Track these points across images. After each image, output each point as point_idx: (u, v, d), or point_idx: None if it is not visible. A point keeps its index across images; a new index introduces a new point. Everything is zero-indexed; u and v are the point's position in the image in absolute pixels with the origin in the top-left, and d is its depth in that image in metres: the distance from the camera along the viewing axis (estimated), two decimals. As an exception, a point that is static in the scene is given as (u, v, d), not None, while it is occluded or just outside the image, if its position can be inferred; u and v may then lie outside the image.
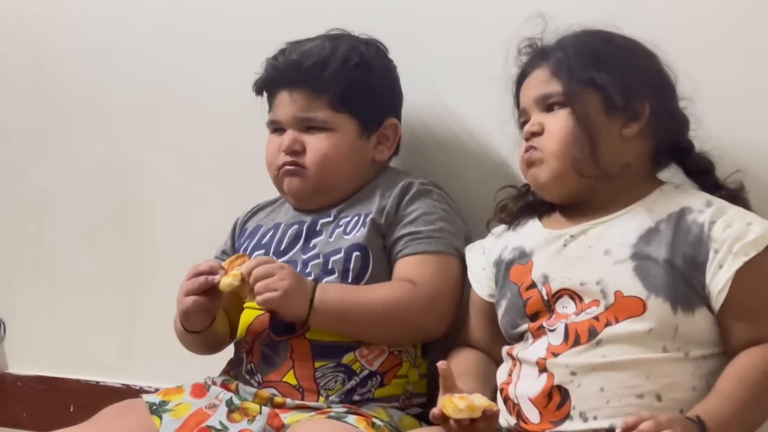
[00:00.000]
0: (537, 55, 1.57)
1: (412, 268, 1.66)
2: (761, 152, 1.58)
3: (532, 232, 1.56)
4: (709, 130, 1.55)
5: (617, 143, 1.49)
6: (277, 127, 1.76)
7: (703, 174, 1.53)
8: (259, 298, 1.57)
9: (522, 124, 1.56)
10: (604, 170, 1.47)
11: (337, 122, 1.72)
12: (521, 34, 1.59)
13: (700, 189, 1.52)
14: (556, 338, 1.44)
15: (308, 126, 1.72)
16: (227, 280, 1.59)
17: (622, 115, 1.48)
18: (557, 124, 1.48)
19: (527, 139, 1.52)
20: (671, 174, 1.57)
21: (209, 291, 1.63)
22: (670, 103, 1.52)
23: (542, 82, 1.52)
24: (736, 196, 1.49)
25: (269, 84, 1.76)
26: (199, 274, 1.64)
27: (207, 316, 1.70)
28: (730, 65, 1.63)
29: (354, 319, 1.64)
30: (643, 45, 1.53)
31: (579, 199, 1.53)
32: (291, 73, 1.72)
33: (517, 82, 1.60)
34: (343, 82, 1.70)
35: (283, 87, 1.74)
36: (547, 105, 1.51)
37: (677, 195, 1.50)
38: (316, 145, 1.71)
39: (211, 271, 1.63)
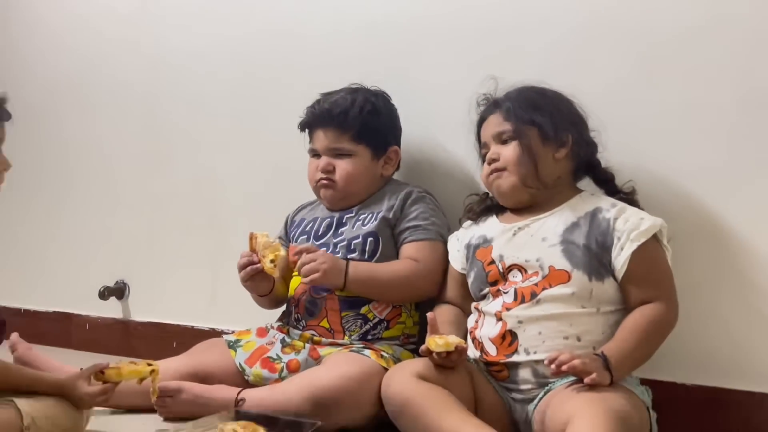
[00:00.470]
0: (491, 105, 1.58)
1: (414, 251, 1.68)
2: (645, 168, 1.59)
3: (492, 225, 1.58)
4: (611, 152, 1.56)
5: (551, 163, 1.51)
6: (315, 153, 1.77)
7: (607, 183, 1.55)
8: (305, 279, 1.61)
9: (483, 153, 1.58)
10: (543, 182, 1.50)
11: (356, 150, 1.73)
12: (479, 92, 1.61)
13: (605, 194, 1.54)
14: (508, 298, 1.46)
15: (337, 153, 1.73)
16: (269, 265, 1.61)
17: (553, 144, 1.50)
18: (510, 152, 1.51)
19: (489, 164, 1.54)
20: (587, 183, 1.59)
21: (258, 273, 1.66)
22: (585, 134, 1.54)
23: (497, 124, 1.54)
24: (631, 198, 1.51)
25: (309, 125, 1.78)
26: (242, 267, 1.67)
27: (265, 286, 1.72)
28: (625, 106, 1.63)
29: (377, 285, 1.66)
30: (564, 94, 1.54)
31: (525, 203, 1.54)
32: (324, 118, 1.73)
33: (478, 124, 1.60)
34: (360, 124, 1.71)
35: (319, 127, 1.75)
36: (502, 139, 1.53)
37: (591, 199, 1.52)
38: (343, 166, 1.73)
39: (251, 262, 1.66)
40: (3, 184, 1.38)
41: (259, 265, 1.64)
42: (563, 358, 1.27)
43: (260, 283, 1.70)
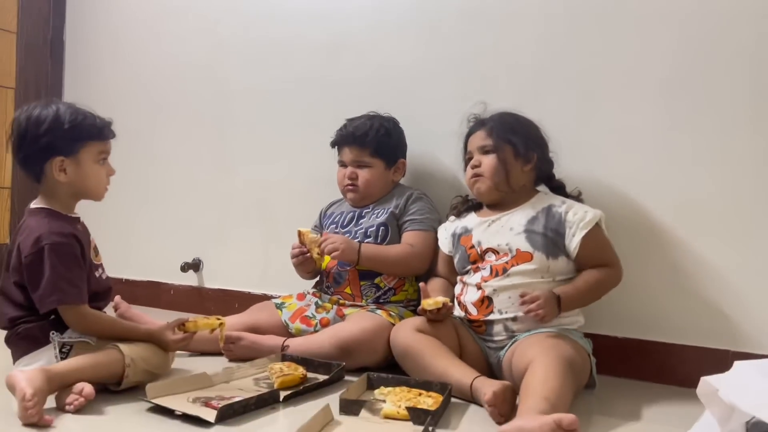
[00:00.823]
0: (479, 123, 1.56)
1: (412, 238, 1.67)
2: (588, 178, 1.59)
3: (471, 219, 1.57)
4: (563, 167, 1.56)
5: (519, 174, 1.50)
6: (342, 164, 1.76)
7: (560, 189, 1.55)
8: (330, 256, 1.63)
9: (467, 160, 1.56)
10: (512, 188, 1.50)
11: (374, 163, 1.72)
12: (470, 112, 1.60)
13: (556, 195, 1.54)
14: (486, 272, 1.46)
15: (359, 165, 1.73)
16: (316, 255, 1.64)
17: (522, 159, 1.50)
18: (489, 162, 1.50)
19: (472, 168, 1.52)
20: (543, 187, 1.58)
21: (307, 260, 1.67)
22: (546, 154, 1.53)
23: (481, 138, 1.52)
24: (578, 199, 1.51)
25: (338, 143, 1.76)
26: (295, 256, 1.68)
27: (311, 267, 1.72)
28: (572, 131, 1.63)
29: (382, 262, 1.66)
30: (532, 121, 1.53)
31: (497, 201, 1.53)
32: (349, 138, 1.73)
33: (466, 137, 1.58)
34: (376, 143, 1.70)
35: (345, 145, 1.74)
36: (484, 151, 1.51)
37: (546, 198, 1.52)
38: (363, 175, 1.72)
39: (302, 253, 1.67)
40: (108, 186, 1.38)
41: (308, 254, 1.66)
42: (528, 298, 1.33)
43: (307, 266, 1.71)
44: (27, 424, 1.06)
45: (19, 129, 1.28)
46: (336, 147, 1.79)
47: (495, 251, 1.47)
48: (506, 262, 1.43)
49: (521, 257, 1.43)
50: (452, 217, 1.63)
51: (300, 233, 1.68)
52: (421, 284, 1.48)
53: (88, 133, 1.30)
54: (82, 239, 1.30)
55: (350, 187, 1.75)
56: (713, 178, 1.52)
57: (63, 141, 1.28)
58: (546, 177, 1.56)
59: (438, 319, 1.42)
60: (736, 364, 0.93)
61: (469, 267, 1.51)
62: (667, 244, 1.56)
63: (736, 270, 1.49)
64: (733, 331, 1.48)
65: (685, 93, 1.54)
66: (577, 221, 1.42)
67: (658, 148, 1.57)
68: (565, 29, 1.67)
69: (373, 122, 1.72)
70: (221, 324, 1.38)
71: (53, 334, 1.25)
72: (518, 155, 1.49)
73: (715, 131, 1.51)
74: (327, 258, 1.70)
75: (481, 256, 1.49)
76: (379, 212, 1.73)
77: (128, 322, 1.37)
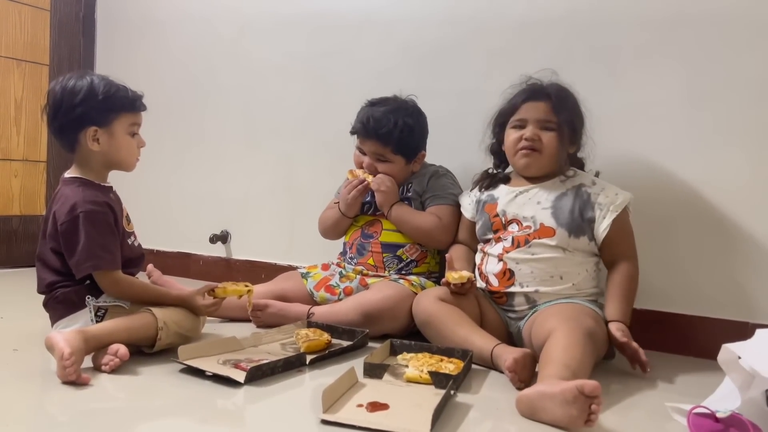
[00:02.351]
0: (540, 92, 1.45)
1: (438, 210, 1.65)
2: (612, 151, 1.56)
3: (499, 189, 1.52)
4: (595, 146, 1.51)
5: (566, 155, 1.46)
6: (362, 152, 1.71)
7: (580, 168, 1.50)
8: (373, 186, 1.64)
9: (517, 124, 1.46)
10: (559, 166, 1.46)
11: (394, 159, 1.67)
12: (524, 74, 1.50)
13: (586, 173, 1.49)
14: (507, 243, 1.44)
15: (379, 159, 1.68)
16: (370, 178, 1.66)
17: (573, 142, 1.46)
18: (550, 140, 1.43)
19: (527, 140, 1.43)
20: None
21: (364, 191, 1.68)
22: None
23: (544, 111, 1.43)
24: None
25: (358, 133, 1.70)
26: (356, 186, 1.67)
27: (357, 209, 1.72)
28: (597, 105, 1.57)
29: (408, 224, 1.64)
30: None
31: (535, 174, 1.48)
32: (371, 133, 1.65)
33: (524, 100, 1.46)
34: (397, 140, 1.64)
35: (366, 138, 1.68)
36: (545, 126, 1.43)
37: (578, 177, 1.47)
38: (383, 169, 1.68)
39: (361, 182, 1.67)
40: (139, 158, 1.40)
41: (366, 182, 1.66)
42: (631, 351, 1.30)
43: (358, 202, 1.70)
44: (66, 382, 1.09)
45: (54, 99, 1.30)
46: (355, 135, 1.74)
47: (519, 222, 1.45)
48: (528, 234, 1.42)
49: (544, 232, 1.41)
50: (475, 190, 1.60)
51: (351, 172, 1.70)
52: (447, 255, 1.47)
53: (121, 104, 1.31)
54: (115, 207, 1.32)
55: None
56: (736, 150, 1.49)
57: (97, 111, 1.29)
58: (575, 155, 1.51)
59: (461, 292, 1.41)
60: (758, 331, 0.92)
61: (490, 235, 1.49)
62: (688, 217, 1.54)
63: (757, 242, 1.46)
64: (753, 303, 1.46)
65: (710, 65, 1.50)
66: (608, 204, 1.39)
67: (683, 121, 1.54)
68: (592, 4, 1.64)
69: (397, 119, 1.63)
70: (249, 291, 1.38)
71: (89, 298, 1.28)
72: (572, 138, 1.45)
73: (740, 104, 1.48)
74: (351, 228, 1.71)
75: (505, 226, 1.47)
76: (401, 190, 1.71)
77: (160, 288, 1.39)
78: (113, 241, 1.29)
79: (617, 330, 1.30)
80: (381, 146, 1.67)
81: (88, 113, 1.29)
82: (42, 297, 1.33)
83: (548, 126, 1.43)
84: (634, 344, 1.28)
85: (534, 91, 1.47)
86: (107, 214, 1.29)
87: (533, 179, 1.49)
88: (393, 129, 1.63)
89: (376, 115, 1.65)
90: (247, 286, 1.39)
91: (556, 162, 1.44)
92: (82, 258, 1.25)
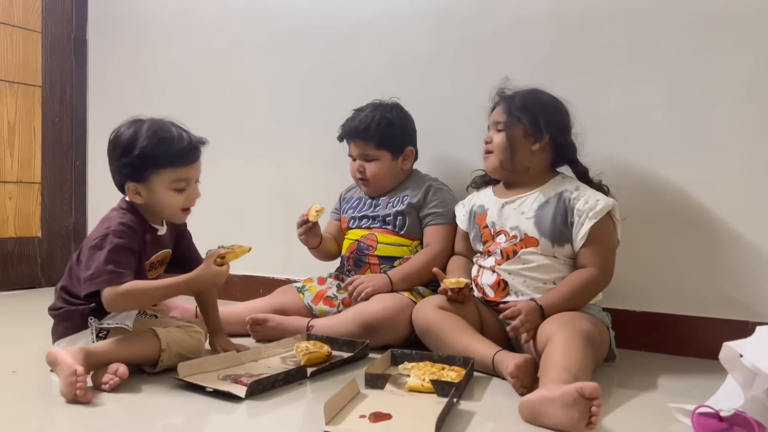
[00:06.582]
0: (501, 98, 1.50)
1: (432, 235, 1.65)
2: (606, 155, 1.57)
3: (488, 196, 1.54)
4: (588, 150, 1.50)
5: (528, 154, 1.45)
6: (352, 157, 1.73)
7: (583, 174, 1.48)
8: (366, 298, 1.56)
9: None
10: (516, 167, 1.46)
11: (379, 155, 1.68)
12: (497, 86, 1.53)
13: (577, 179, 1.48)
14: (497, 256, 1.45)
15: (365, 158, 1.69)
16: (313, 214, 1.62)
17: (531, 139, 1.44)
18: (499, 139, 1.46)
19: (485, 144, 1.50)
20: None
21: (310, 230, 1.67)
22: (564, 135, 1.47)
23: (498, 114, 1.48)
24: (600, 186, 1.46)
25: (345, 137, 1.73)
26: (300, 225, 1.67)
27: (315, 241, 1.71)
28: (589, 110, 1.59)
29: (412, 276, 1.60)
30: (556, 99, 1.47)
31: (508, 180, 1.50)
32: (353, 133, 1.69)
33: (491, 110, 1.52)
34: (379, 136, 1.66)
35: (351, 139, 1.71)
36: (497, 128, 1.47)
37: (561, 183, 1.46)
38: (371, 168, 1.69)
39: (304, 222, 1.66)
40: (192, 207, 1.38)
41: (310, 224, 1.66)
42: (509, 312, 1.30)
43: (311, 238, 1.70)
44: (70, 401, 1.07)
45: (108, 147, 1.30)
46: (344, 140, 1.75)
47: (506, 233, 1.45)
48: (515, 245, 1.42)
49: (528, 242, 1.41)
50: (471, 190, 1.62)
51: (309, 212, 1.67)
52: (434, 269, 1.47)
53: (162, 160, 1.26)
54: (147, 246, 1.30)
55: (361, 181, 1.73)
56: (730, 150, 1.50)
57: (132, 168, 1.27)
58: (567, 160, 1.50)
59: (459, 299, 1.41)
60: (759, 329, 0.92)
61: (481, 247, 1.50)
62: (685, 217, 1.54)
63: (755, 242, 1.47)
64: (753, 303, 1.47)
65: (698, 67, 1.52)
66: (587, 210, 1.37)
67: (676, 123, 1.55)
68: (580, 9, 1.65)
69: (375, 114, 1.67)
70: (249, 248, 1.33)
71: (91, 319, 1.25)
72: (527, 134, 1.44)
73: (733, 105, 1.49)
74: (346, 241, 1.71)
75: (493, 237, 1.47)
76: (395, 200, 1.71)
77: (166, 279, 1.31)
78: (129, 263, 1.24)
79: (524, 305, 1.29)
80: (363, 143, 1.69)
81: (124, 170, 1.27)
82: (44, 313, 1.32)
83: (499, 127, 1.47)
84: (516, 322, 1.27)
85: (498, 100, 1.51)
86: (133, 241, 1.25)
87: (518, 187, 1.49)
88: (371, 123, 1.66)
89: (356, 116, 1.70)
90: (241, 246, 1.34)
91: (510, 160, 1.44)
92: (97, 273, 1.19)
